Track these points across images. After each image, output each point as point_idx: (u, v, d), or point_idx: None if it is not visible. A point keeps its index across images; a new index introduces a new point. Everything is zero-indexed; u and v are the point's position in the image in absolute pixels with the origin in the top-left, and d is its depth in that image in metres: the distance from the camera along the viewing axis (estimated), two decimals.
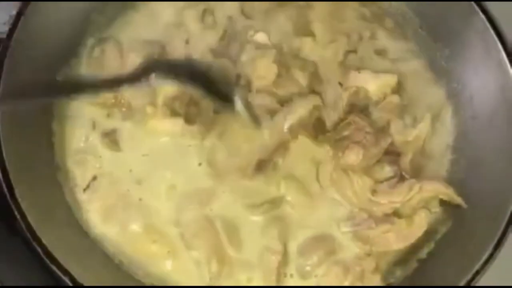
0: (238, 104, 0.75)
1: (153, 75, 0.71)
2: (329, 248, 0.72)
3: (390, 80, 0.79)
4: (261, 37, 0.80)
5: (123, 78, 0.73)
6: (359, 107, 0.78)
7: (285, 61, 0.79)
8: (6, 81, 0.67)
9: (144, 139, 0.75)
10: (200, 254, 0.70)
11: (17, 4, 0.70)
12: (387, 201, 0.73)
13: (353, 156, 0.73)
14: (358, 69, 0.80)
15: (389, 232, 0.72)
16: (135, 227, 0.71)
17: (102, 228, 0.71)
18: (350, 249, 0.72)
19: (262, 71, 0.77)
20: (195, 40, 0.80)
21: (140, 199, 0.73)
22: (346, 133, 0.75)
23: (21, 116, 0.69)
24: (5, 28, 0.70)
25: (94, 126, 0.75)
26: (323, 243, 0.72)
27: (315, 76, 0.80)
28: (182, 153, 0.75)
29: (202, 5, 0.82)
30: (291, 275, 0.71)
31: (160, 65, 0.74)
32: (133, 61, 0.77)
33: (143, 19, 0.82)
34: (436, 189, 0.74)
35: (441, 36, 0.82)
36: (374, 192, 0.73)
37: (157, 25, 0.81)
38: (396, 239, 0.72)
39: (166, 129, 0.75)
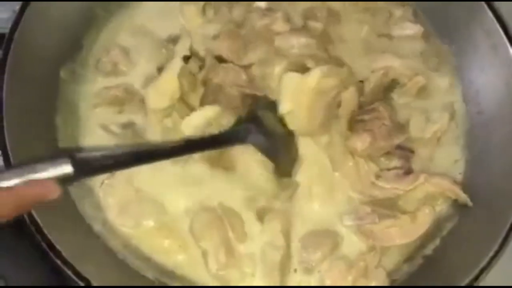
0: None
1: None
2: (332, 243, 0.71)
3: (414, 63, 0.80)
4: (262, 3, 0.81)
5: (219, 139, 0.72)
6: (385, 88, 0.79)
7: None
8: (11, 76, 0.67)
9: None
10: (208, 244, 0.70)
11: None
12: (390, 186, 0.73)
13: (359, 143, 0.73)
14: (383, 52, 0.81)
15: (393, 227, 0.71)
16: (149, 222, 0.71)
17: (114, 223, 0.71)
18: (354, 244, 0.72)
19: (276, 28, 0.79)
20: (198, 34, 0.80)
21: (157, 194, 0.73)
22: (366, 117, 0.75)
23: (25, 111, 0.69)
24: (9, 24, 0.69)
25: (105, 128, 0.75)
26: (326, 238, 0.72)
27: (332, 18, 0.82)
28: None
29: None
30: (295, 270, 0.71)
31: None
32: (143, 64, 0.79)
33: (145, 15, 0.82)
34: (441, 183, 0.74)
35: (448, 33, 0.82)
36: (378, 177, 0.73)
37: (161, 21, 0.81)
38: (399, 234, 0.72)
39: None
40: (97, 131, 0.75)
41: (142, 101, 0.76)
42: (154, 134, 0.75)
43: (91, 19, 0.79)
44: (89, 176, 0.65)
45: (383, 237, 0.71)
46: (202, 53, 0.79)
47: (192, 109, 0.75)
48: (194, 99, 0.76)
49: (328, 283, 0.70)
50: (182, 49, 0.77)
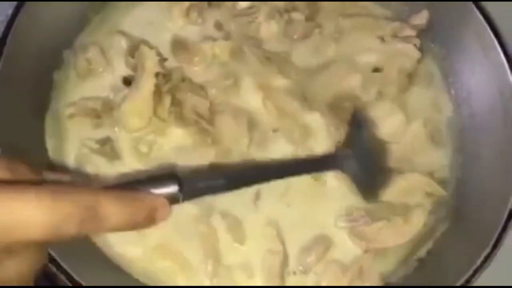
0: None
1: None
2: (327, 245, 0.72)
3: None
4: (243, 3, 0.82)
5: None
6: None
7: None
8: (3, 80, 0.67)
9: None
10: (196, 253, 0.70)
11: (13, 4, 0.70)
12: None
13: None
14: None
15: (385, 229, 0.72)
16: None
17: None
18: (347, 246, 0.72)
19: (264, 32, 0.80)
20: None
21: None
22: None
23: (16, 116, 0.69)
24: (1, 28, 0.69)
25: (83, 144, 0.73)
26: (321, 241, 0.72)
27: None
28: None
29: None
30: (294, 273, 0.71)
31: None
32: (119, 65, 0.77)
33: (132, 21, 0.81)
34: (415, 178, 0.75)
35: (438, 36, 0.82)
36: None
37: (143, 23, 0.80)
38: (392, 236, 0.72)
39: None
40: (76, 145, 0.73)
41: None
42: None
43: (84, 22, 0.78)
44: (191, 199, 0.55)
45: (375, 238, 0.72)
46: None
47: (164, 121, 0.74)
48: (162, 111, 0.74)
49: (323, 284, 0.70)
50: (152, 66, 0.74)
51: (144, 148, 0.73)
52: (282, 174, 0.68)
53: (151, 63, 0.74)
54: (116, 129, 0.74)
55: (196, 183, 0.56)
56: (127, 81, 0.76)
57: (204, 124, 0.74)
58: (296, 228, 0.72)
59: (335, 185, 0.74)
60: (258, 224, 0.72)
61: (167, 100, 0.74)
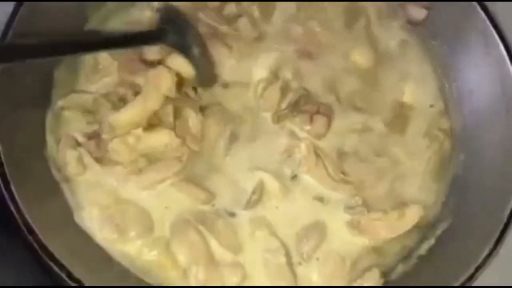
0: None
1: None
2: (321, 232, 0.72)
3: None
4: None
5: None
6: None
7: None
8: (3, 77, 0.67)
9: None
10: (185, 259, 0.69)
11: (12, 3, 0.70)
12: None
13: (321, 127, 0.75)
14: None
15: (380, 220, 0.72)
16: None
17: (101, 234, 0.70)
18: (343, 234, 0.72)
19: None
20: None
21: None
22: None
23: (17, 109, 0.69)
24: (1, 27, 0.69)
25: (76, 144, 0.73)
26: (314, 228, 0.72)
27: None
28: None
29: None
30: (299, 263, 0.71)
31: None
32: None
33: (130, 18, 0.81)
34: None
35: (439, 33, 0.81)
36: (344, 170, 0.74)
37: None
38: (385, 228, 0.72)
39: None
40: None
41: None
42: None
43: (83, 20, 0.78)
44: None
45: (369, 229, 0.72)
46: None
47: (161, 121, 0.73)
48: (163, 114, 0.73)
49: (327, 272, 0.70)
50: (166, 90, 0.72)
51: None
52: (107, 45, 0.73)
53: (165, 87, 0.72)
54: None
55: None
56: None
57: (189, 142, 0.73)
58: (286, 220, 0.72)
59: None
60: (247, 230, 0.72)
61: (170, 108, 0.73)
